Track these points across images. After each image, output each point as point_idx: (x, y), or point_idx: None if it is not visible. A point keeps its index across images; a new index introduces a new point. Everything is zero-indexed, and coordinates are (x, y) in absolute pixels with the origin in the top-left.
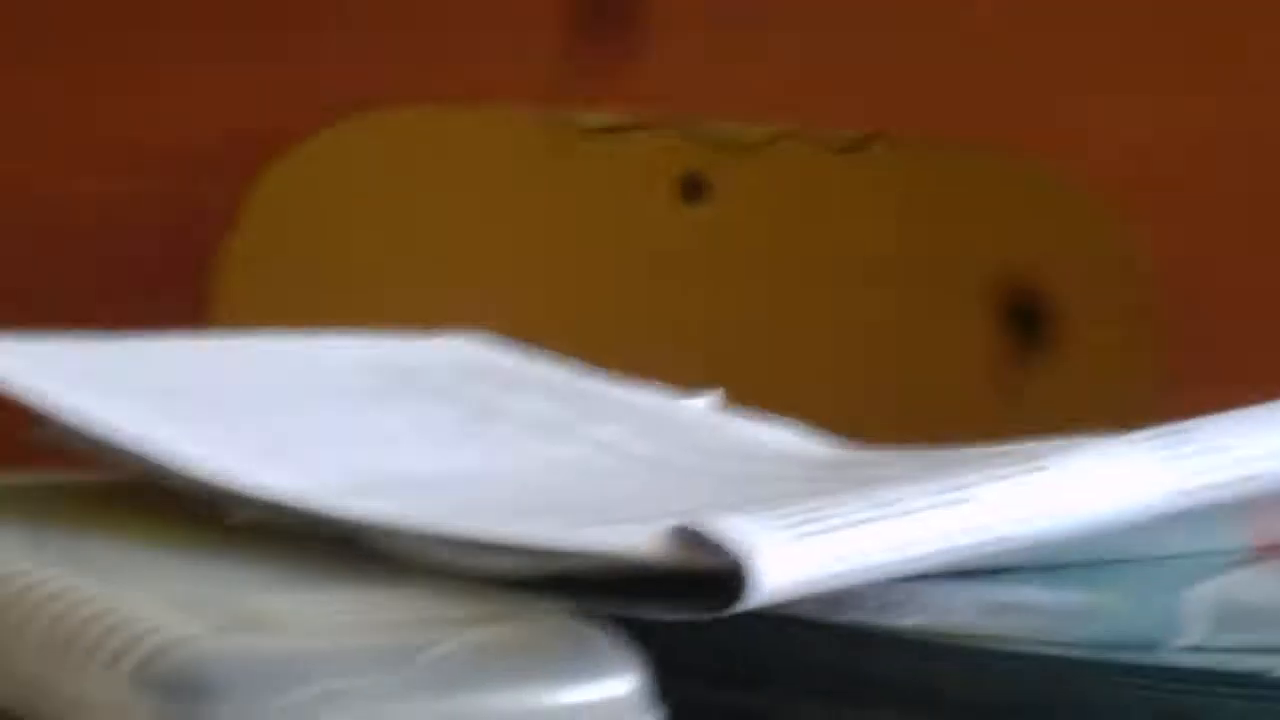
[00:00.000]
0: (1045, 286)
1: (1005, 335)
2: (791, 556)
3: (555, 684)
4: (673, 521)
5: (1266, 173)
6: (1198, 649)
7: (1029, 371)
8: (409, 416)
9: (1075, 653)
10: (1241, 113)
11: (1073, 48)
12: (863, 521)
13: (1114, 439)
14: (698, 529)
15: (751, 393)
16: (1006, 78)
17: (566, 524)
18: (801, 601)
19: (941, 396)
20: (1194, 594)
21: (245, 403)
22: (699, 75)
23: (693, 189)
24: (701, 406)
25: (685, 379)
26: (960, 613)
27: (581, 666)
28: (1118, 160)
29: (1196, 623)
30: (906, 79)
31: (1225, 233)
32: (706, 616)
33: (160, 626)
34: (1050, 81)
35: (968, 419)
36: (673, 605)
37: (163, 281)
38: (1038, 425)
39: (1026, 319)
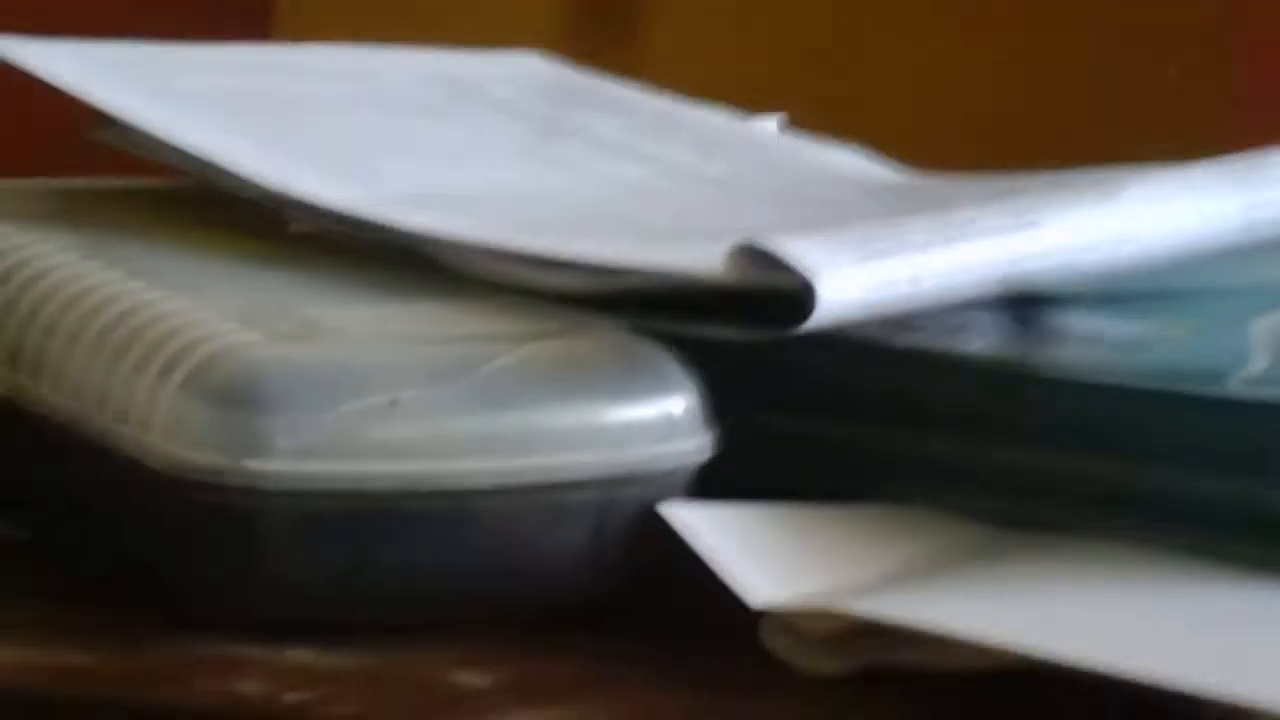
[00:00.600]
0: None
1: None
2: (858, 276)
3: (611, 399)
4: (739, 240)
5: None
6: (1262, 380)
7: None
8: (473, 131)
9: (1137, 381)
10: None
11: None
12: (931, 243)
13: (1186, 167)
14: (764, 247)
15: (823, 114)
16: None
17: (631, 242)
18: (862, 325)
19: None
20: (1259, 326)
21: (308, 113)
22: None
23: None
24: (770, 128)
25: (753, 101)
26: (1024, 340)
27: (638, 383)
28: None
29: (1261, 354)
30: None
31: None
32: (773, 336)
33: (215, 334)
34: None
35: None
36: (737, 325)
37: None
38: None
39: None
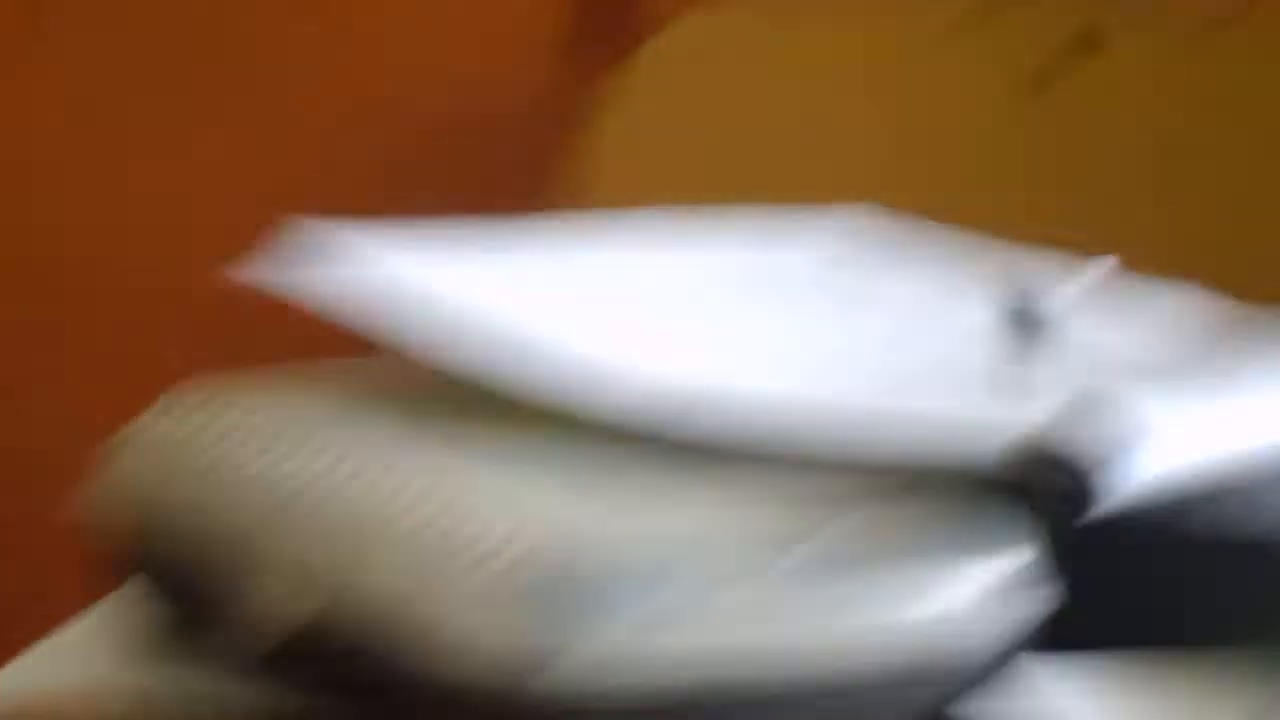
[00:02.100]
0: None
1: None
2: (1179, 444)
3: (951, 560)
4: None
5: None
6: None
7: None
8: (780, 308)
9: None
10: None
11: None
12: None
13: None
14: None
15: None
16: None
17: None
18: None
19: None
20: None
21: (614, 299)
22: None
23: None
24: (1097, 277)
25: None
26: None
27: (977, 541)
28: None
29: None
30: None
31: None
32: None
33: (535, 522)
34: None
35: None
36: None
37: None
38: None
39: None
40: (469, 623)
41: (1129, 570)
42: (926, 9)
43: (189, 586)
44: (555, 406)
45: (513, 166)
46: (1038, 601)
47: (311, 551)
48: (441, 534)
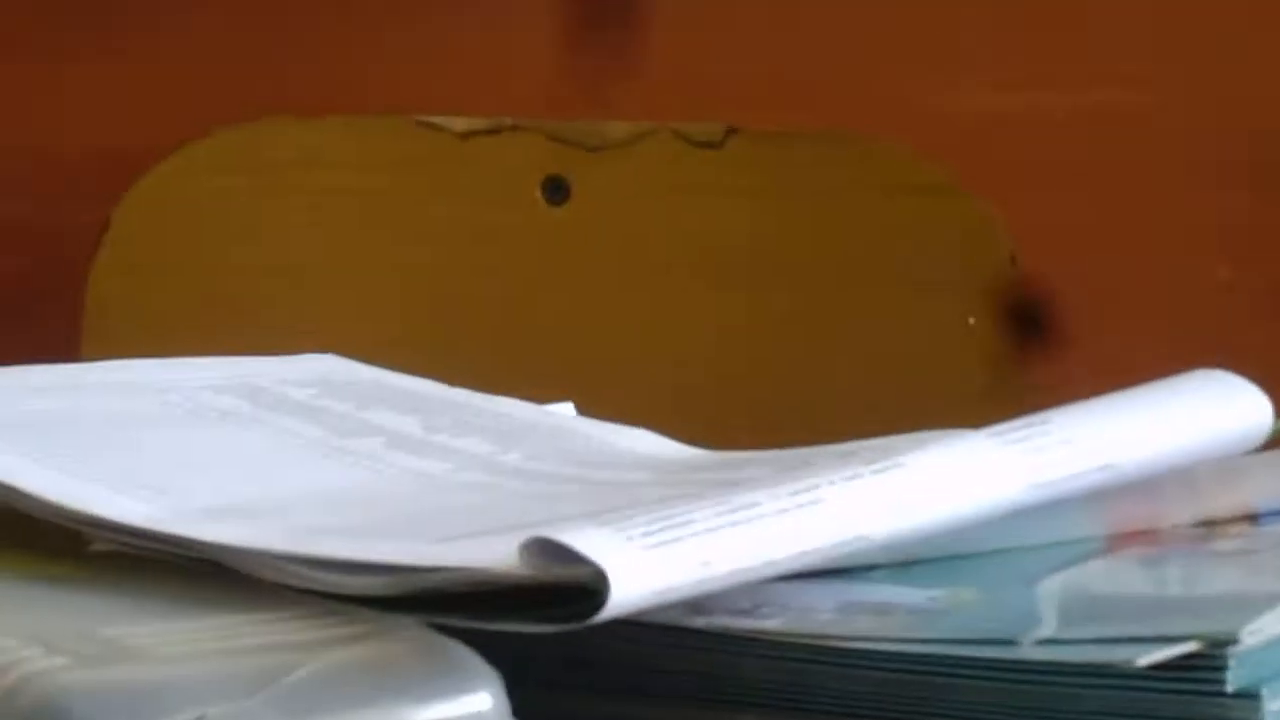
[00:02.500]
0: (905, 266)
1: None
2: (647, 566)
3: (416, 702)
4: (529, 534)
5: (1116, 155)
6: (1052, 641)
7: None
8: (273, 436)
9: (933, 648)
10: (1087, 95)
11: (920, 33)
12: (718, 528)
13: (968, 433)
14: (553, 541)
15: (615, 395)
16: (855, 65)
17: (426, 539)
18: (663, 608)
19: (822, 391)
20: (1047, 587)
21: (102, 429)
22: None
23: (555, 190)
24: (561, 413)
25: (550, 384)
26: (821, 612)
27: (441, 683)
28: (966, 140)
29: (1050, 615)
30: (759, 75)
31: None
32: (566, 628)
33: (20, 660)
34: (901, 67)
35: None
36: (532, 617)
37: (36, 301)
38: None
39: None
40: None
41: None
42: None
43: None
44: (44, 537)
45: None
46: None
47: None
48: None
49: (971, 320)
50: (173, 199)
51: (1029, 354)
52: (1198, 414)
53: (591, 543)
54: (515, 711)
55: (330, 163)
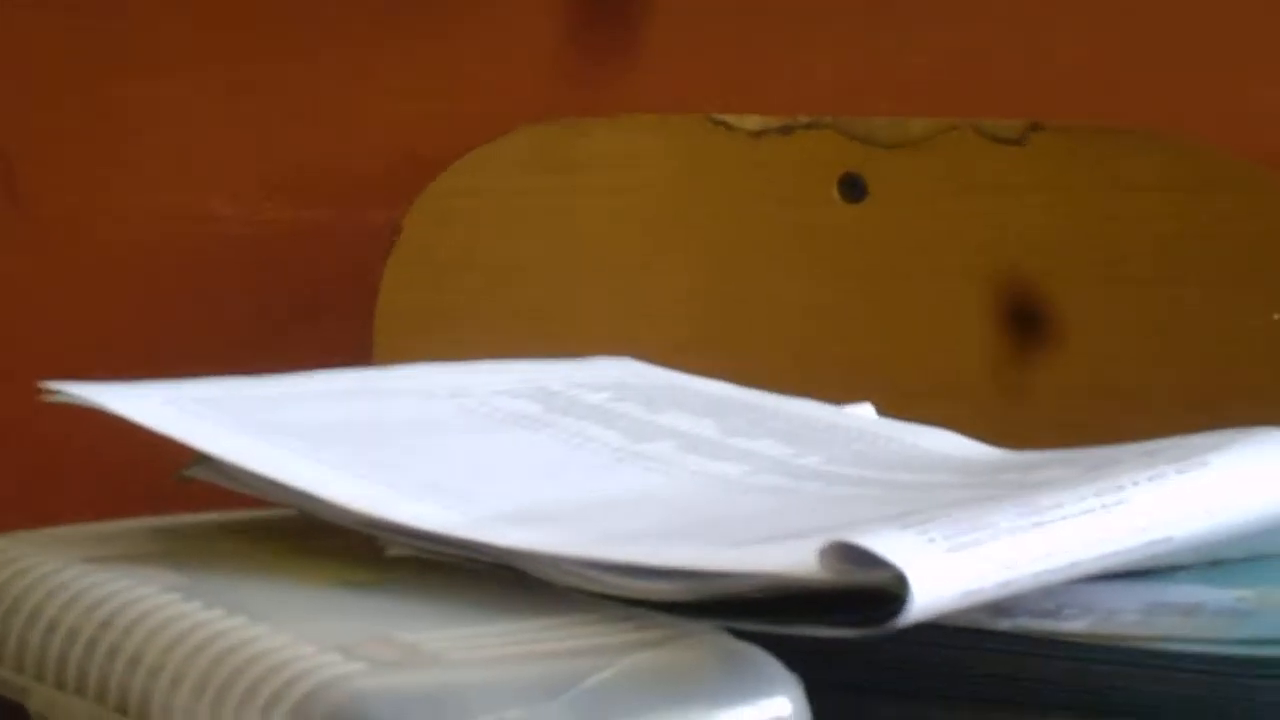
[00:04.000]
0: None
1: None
2: (949, 569)
3: (714, 706)
4: (829, 538)
5: None
6: None
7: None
8: (568, 441)
9: (1242, 650)
10: None
11: (1230, 28)
12: (1020, 530)
13: (1270, 430)
14: (853, 545)
15: (917, 396)
16: (1166, 61)
17: (724, 543)
18: (965, 610)
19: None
20: None
21: (400, 436)
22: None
23: (852, 188)
24: (860, 414)
25: (848, 385)
26: (1126, 613)
27: (740, 687)
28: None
29: None
30: (1062, 68)
31: None
32: (867, 634)
33: (317, 666)
34: (1210, 63)
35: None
36: (832, 622)
37: (330, 305)
38: None
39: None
40: None
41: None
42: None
43: None
44: (344, 545)
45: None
46: None
47: (103, 699)
48: (226, 678)
49: (1278, 316)
50: (464, 200)
51: None
52: None
53: (893, 546)
54: (816, 717)
55: (624, 163)
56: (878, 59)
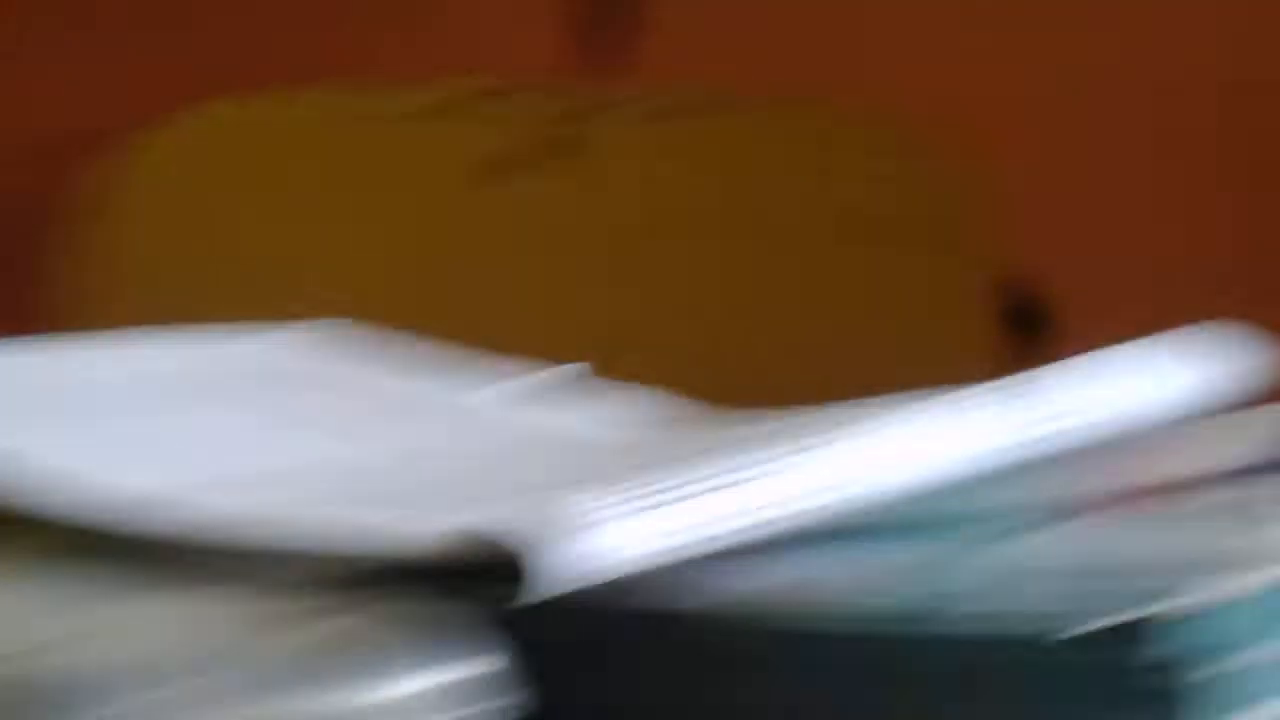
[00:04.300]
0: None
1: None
2: (635, 529)
3: (413, 668)
4: (526, 498)
5: (1102, 121)
6: (1017, 615)
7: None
8: (220, 419)
9: (875, 625)
10: (1079, 60)
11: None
12: (707, 491)
13: (960, 391)
14: (543, 508)
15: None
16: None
17: (411, 511)
18: (659, 579)
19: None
20: (998, 554)
21: (58, 411)
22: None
23: (566, 150)
24: (572, 374)
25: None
26: (770, 588)
27: (430, 653)
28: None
29: (1015, 585)
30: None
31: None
32: (506, 604)
33: None
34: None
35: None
36: (503, 589)
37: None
38: None
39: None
40: None
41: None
42: (395, 95)
43: None
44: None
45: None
46: (500, 704)
47: None
48: None
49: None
50: (141, 182)
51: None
52: (1185, 370)
53: (573, 509)
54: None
55: (286, 148)
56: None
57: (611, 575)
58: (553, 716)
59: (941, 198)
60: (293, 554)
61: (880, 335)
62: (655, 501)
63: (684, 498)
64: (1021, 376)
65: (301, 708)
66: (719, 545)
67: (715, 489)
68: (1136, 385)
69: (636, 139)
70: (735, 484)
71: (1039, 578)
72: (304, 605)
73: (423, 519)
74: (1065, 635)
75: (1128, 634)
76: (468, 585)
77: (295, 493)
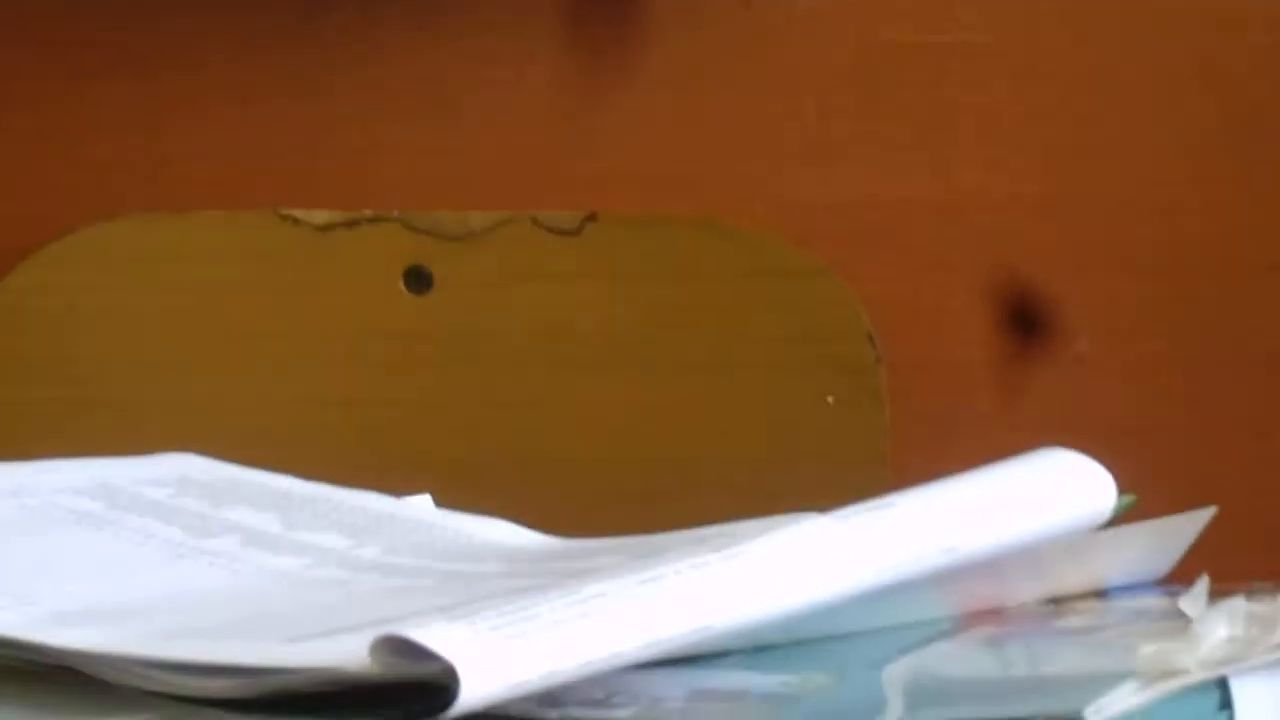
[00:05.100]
0: (771, 353)
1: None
2: (497, 660)
3: None
4: (380, 631)
5: (967, 235)
6: None
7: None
8: (126, 539)
9: None
10: (946, 176)
11: (776, 119)
12: (566, 620)
13: (813, 517)
14: (403, 638)
15: (477, 487)
16: (714, 151)
17: (279, 638)
18: (515, 700)
19: (683, 474)
20: (894, 670)
21: None
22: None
23: (418, 280)
24: (419, 505)
25: (411, 477)
26: (672, 700)
27: None
28: (823, 224)
29: (896, 700)
30: (618, 161)
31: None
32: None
33: None
34: (758, 153)
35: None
36: (389, 716)
37: None
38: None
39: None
40: None
41: None
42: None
43: None
44: None
45: None
46: None
47: None
48: None
49: (830, 399)
50: (30, 299)
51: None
52: (1041, 493)
53: (440, 638)
54: None
55: (191, 258)
56: (441, 154)
57: (522, 692)
58: None
59: (834, 327)
60: (195, 678)
61: (767, 464)
62: (545, 623)
63: (567, 620)
64: (885, 500)
65: None
66: (602, 667)
67: (596, 613)
68: (1008, 507)
69: (491, 263)
70: (617, 607)
71: (956, 688)
72: None
73: (332, 641)
74: None
75: None
76: (382, 705)
77: (193, 620)
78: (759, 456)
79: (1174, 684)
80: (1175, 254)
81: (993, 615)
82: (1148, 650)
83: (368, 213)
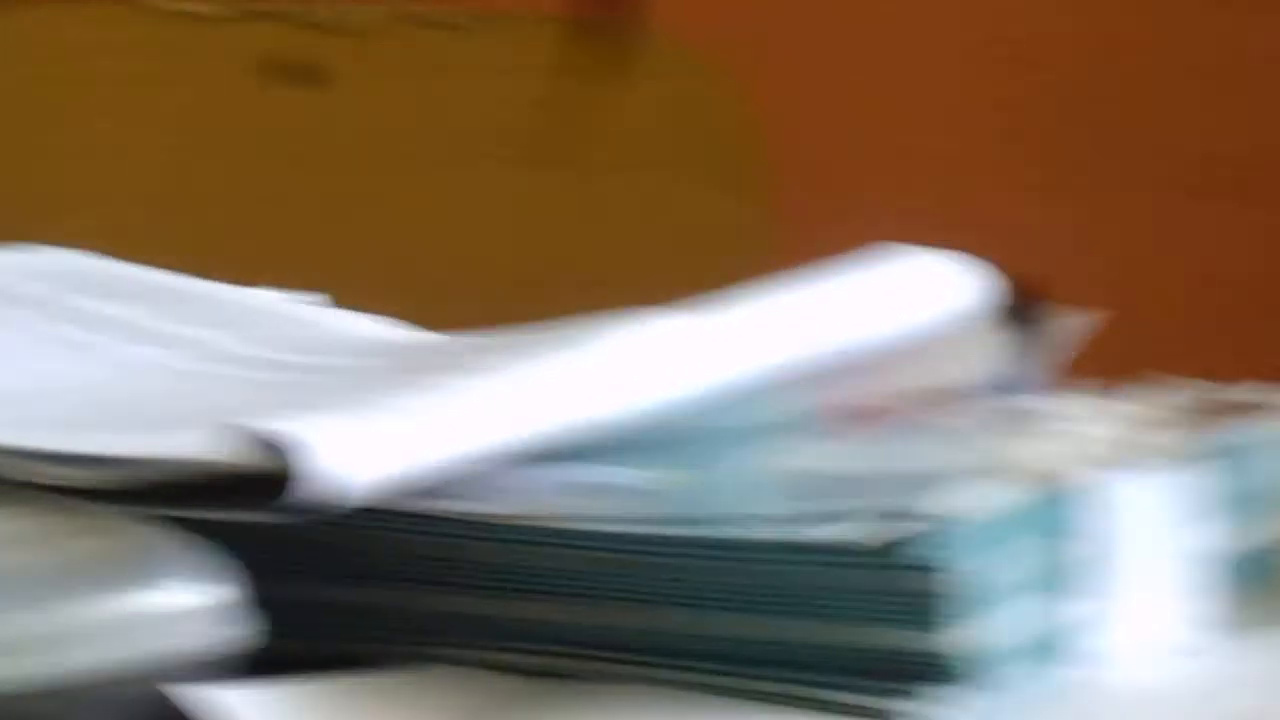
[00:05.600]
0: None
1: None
2: (362, 453)
3: (141, 591)
4: (244, 422)
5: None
6: (777, 520)
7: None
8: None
9: (655, 528)
10: None
11: None
12: (432, 413)
13: (675, 312)
14: (268, 430)
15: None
16: None
17: (138, 428)
18: (392, 494)
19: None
20: (770, 465)
21: None
22: None
23: (308, 75)
24: (307, 303)
25: (302, 270)
26: (539, 494)
27: (169, 572)
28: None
29: (773, 495)
30: None
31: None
32: (280, 516)
33: None
34: None
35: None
36: (249, 506)
37: None
38: None
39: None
40: None
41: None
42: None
43: None
44: None
45: None
46: (238, 628)
47: None
48: None
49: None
50: None
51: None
52: (914, 290)
53: (305, 430)
54: (256, 601)
55: (91, 52)
56: None
57: (384, 486)
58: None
59: (719, 127)
60: (57, 466)
61: (652, 260)
62: (411, 416)
63: (433, 413)
64: (743, 294)
65: (37, 622)
66: (467, 461)
67: (462, 406)
68: (872, 304)
69: (383, 59)
70: (483, 401)
71: (794, 486)
72: (55, 522)
73: (195, 433)
74: (826, 539)
75: (888, 538)
76: (245, 495)
77: (54, 409)
78: (645, 250)
79: (1051, 485)
80: None
81: (860, 411)
82: (1024, 449)
83: (261, 6)
